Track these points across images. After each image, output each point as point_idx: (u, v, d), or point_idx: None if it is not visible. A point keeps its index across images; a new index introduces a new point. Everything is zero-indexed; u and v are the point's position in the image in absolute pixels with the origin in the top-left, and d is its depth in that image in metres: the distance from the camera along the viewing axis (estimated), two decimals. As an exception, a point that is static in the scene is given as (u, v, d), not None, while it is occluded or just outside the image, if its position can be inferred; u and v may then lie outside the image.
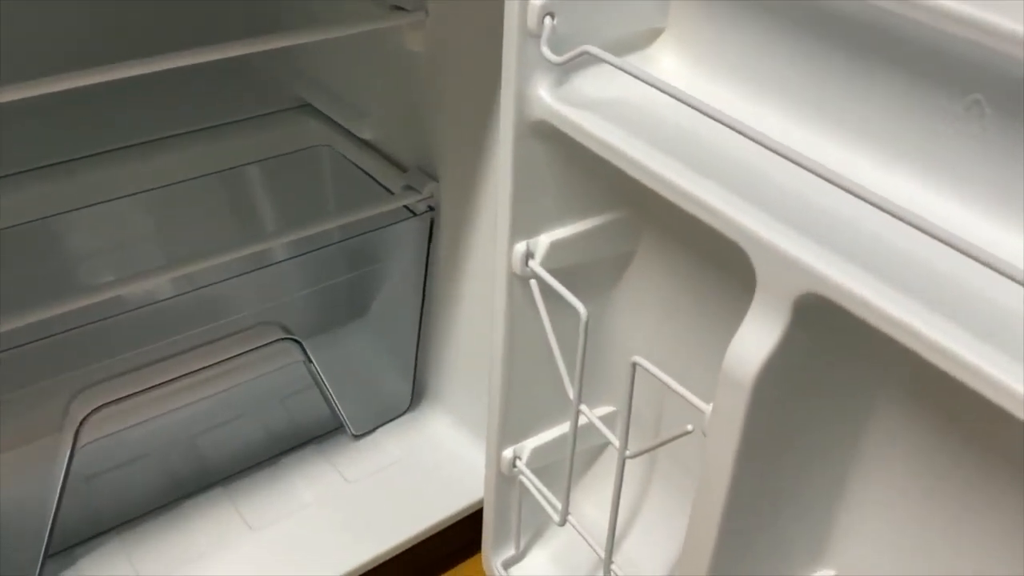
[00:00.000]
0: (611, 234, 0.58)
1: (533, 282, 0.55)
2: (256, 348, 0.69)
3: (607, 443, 0.68)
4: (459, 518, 0.77)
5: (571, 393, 0.55)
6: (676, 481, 0.64)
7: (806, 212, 0.41)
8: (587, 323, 0.51)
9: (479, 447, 0.80)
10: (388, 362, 0.83)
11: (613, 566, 0.57)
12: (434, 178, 0.73)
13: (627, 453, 0.52)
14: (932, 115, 0.40)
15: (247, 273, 0.67)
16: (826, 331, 0.43)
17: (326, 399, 0.77)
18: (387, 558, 0.73)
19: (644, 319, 0.61)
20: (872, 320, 0.37)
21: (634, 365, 0.49)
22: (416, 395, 0.85)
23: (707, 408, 0.44)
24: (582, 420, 0.56)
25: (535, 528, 0.70)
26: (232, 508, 0.75)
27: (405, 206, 0.72)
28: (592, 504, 0.68)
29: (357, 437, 0.81)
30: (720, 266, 0.54)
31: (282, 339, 0.70)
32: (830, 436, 0.48)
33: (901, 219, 0.36)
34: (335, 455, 0.80)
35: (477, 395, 0.80)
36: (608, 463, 0.69)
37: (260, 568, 0.71)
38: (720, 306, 0.55)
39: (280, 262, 0.68)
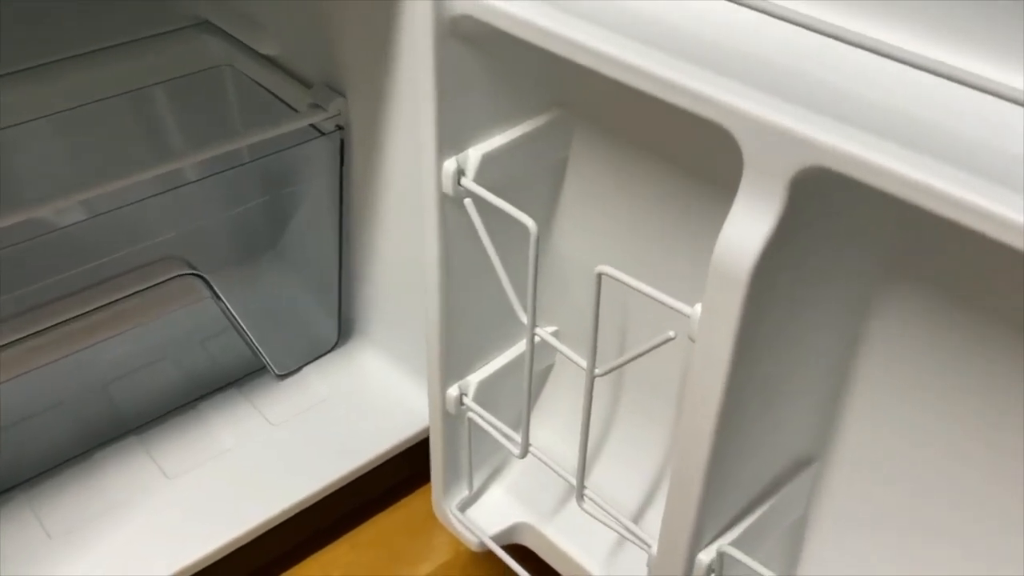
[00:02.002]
0: (545, 139, 0.53)
1: (468, 201, 0.50)
2: (157, 284, 0.64)
3: (552, 365, 0.65)
4: (394, 454, 0.73)
5: (523, 316, 0.50)
6: (645, 402, 0.60)
7: (790, 83, 0.37)
8: (537, 237, 0.47)
9: (413, 380, 0.76)
10: (310, 296, 0.78)
11: (586, 490, 0.53)
12: (341, 94, 0.68)
13: (596, 371, 0.47)
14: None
15: (147, 198, 0.61)
16: (823, 213, 0.39)
17: (243, 338, 0.73)
18: (317, 499, 0.70)
19: (589, 230, 0.57)
20: (884, 185, 0.33)
21: (599, 276, 0.44)
22: (344, 330, 0.80)
23: (692, 310, 0.40)
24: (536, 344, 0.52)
25: (487, 465, 0.66)
26: (147, 456, 0.70)
27: (312, 125, 0.67)
28: (550, 432, 0.64)
29: (281, 377, 0.77)
30: (675, 161, 0.50)
31: (185, 274, 0.65)
32: (826, 321, 0.45)
33: (896, 59, 0.32)
34: (258, 397, 0.76)
35: (408, 326, 0.76)
36: (561, 386, 0.65)
37: (179, 516, 0.67)
38: (679, 204, 0.51)
39: (181, 186, 0.62)
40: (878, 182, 0.33)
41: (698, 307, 0.40)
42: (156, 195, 0.62)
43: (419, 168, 0.51)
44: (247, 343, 0.74)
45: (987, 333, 0.42)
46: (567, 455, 0.56)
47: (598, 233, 0.56)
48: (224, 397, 0.75)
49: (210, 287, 0.67)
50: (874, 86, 0.37)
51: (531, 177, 0.54)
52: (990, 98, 0.33)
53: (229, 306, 0.69)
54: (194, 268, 0.66)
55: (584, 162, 0.54)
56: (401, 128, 0.66)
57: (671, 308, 0.41)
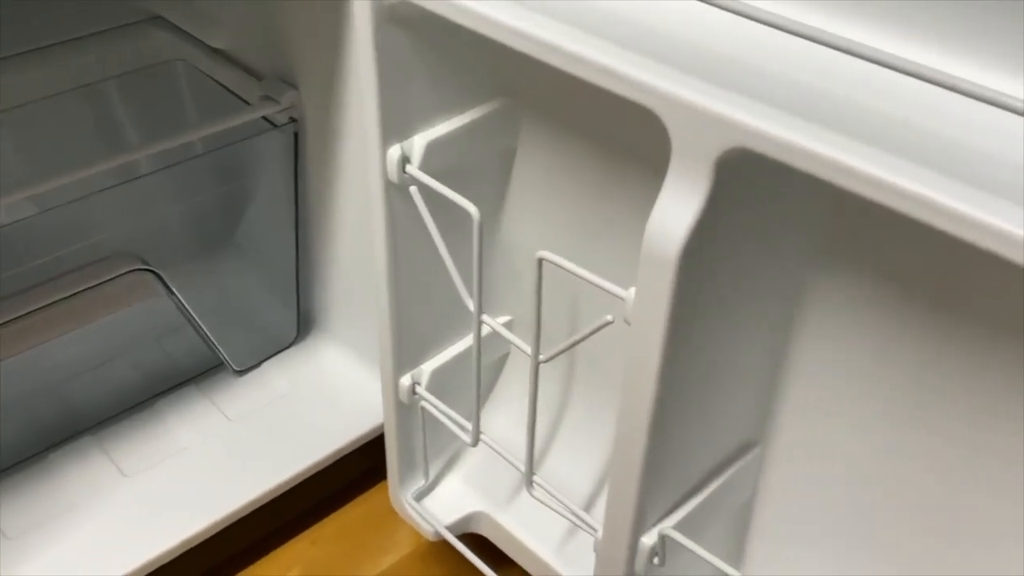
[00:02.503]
0: (490, 128, 0.53)
1: (414, 189, 0.50)
2: (109, 280, 0.63)
3: (508, 355, 0.65)
4: (354, 448, 0.73)
5: (470, 304, 0.50)
6: (595, 390, 0.60)
7: (723, 69, 0.37)
8: (480, 223, 0.47)
9: (373, 374, 0.76)
10: (268, 292, 0.78)
11: (535, 478, 0.53)
12: (294, 86, 0.67)
13: (540, 358, 0.47)
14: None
15: (97, 193, 0.61)
16: (754, 197, 0.39)
17: (200, 334, 0.72)
18: (277, 494, 0.69)
19: (539, 219, 0.57)
20: (806, 166, 0.33)
21: (540, 261, 0.44)
22: (303, 325, 0.80)
23: (627, 294, 0.40)
24: (485, 331, 0.52)
25: (443, 455, 0.66)
26: (103, 455, 0.70)
27: (265, 118, 0.67)
28: (504, 421, 0.64)
29: (240, 373, 0.77)
30: (617, 148, 0.50)
31: (137, 270, 0.65)
32: (759, 305, 0.45)
33: (834, 46, 0.32)
34: (216, 393, 0.75)
35: (367, 320, 0.75)
36: (515, 375, 0.65)
37: (138, 514, 0.66)
38: (622, 191, 0.51)
39: (132, 180, 0.62)
40: (799, 163, 0.33)
41: (632, 290, 0.40)
42: (106, 189, 0.61)
43: (366, 157, 0.51)
44: (204, 340, 0.73)
45: (922, 319, 0.42)
46: (522, 444, 0.56)
47: (547, 222, 0.56)
48: (182, 394, 0.75)
49: (164, 283, 0.66)
50: (808, 72, 0.37)
51: (478, 166, 0.54)
52: (923, 83, 0.33)
53: (184, 302, 0.68)
54: (147, 264, 0.65)
55: (532, 151, 0.54)
56: (355, 120, 0.65)
57: (608, 292, 0.41)
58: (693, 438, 0.46)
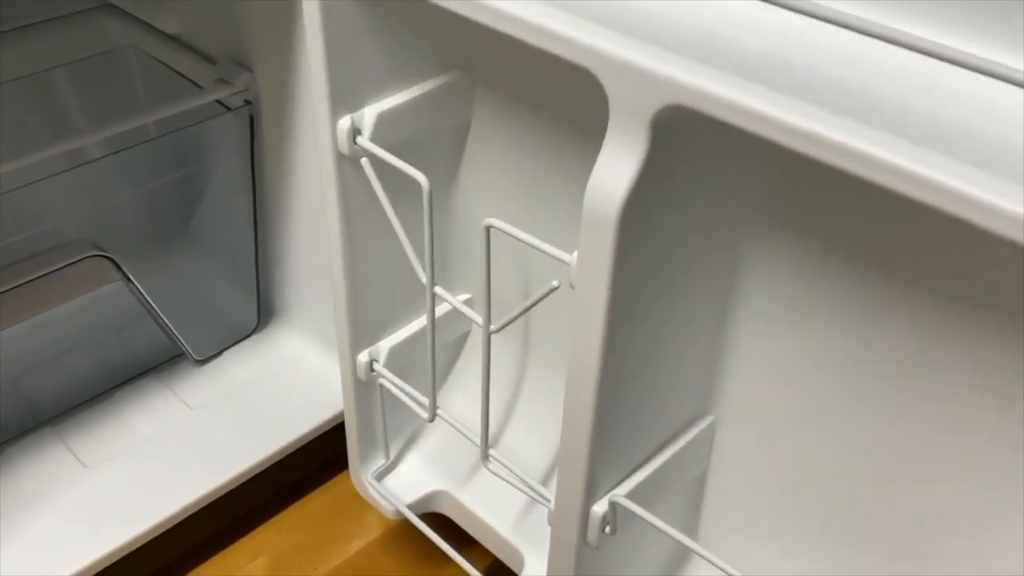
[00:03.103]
0: (443, 101, 0.53)
1: (365, 160, 0.50)
2: (64, 267, 0.62)
3: (468, 333, 0.65)
4: (317, 434, 0.72)
5: (422, 276, 0.50)
6: (549, 364, 0.60)
7: (665, 30, 0.37)
8: (430, 193, 0.47)
9: (335, 361, 0.74)
10: (227, 279, 0.77)
11: (491, 451, 0.53)
12: (248, 68, 0.67)
13: (492, 328, 0.47)
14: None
15: (49, 177, 0.60)
16: (694, 158, 0.39)
17: (159, 323, 0.71)
18: (240, 483, 0.69)
19: (493, 193, 0.57)
20: (741, 122, 0.33)
21: (488, 228, 0.44)
22: (264, 313, 0.79)
23: (571, 258, 0.40)
24: (440, 307, 0.52)
25: (404, 434, 0.66)
26: (63, 447, 0.69)
27: (218, 101, 0.66)
28: (463, 399, 0.64)
29: (200, 363, 0.76)
30: (565, 118, 0.50)
31: (93, 255, 0.64)
32: (704, 271, 0.45)
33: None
34: (176, 383, 0.75)
35: (328, 306, 0.74)
36: (474, 353, 0.65)
37: (99, 506, 0.65)
38: (571, 160, 0.51)
39: (83, 164, 0.61)
40: (732, 118, 0.33)
41: (575, 254, 0.40)
42: (58, 174, 0.60)
43: (316, 129, 0.50)
44: (163, 329, 0.72)
45: (867, 285, 0.43)
46: (475, 420, 0.56)
47: (500, 194, 0.56)
48: (142, 385, 0.74)
49: (120, 269, 0.66)
50: (752, 32, 0.37)
51: (431, 139, 0.53)
52: (869, 40, 0.33)
53: (142, 290, 0.68)
54: (103, 250, 0.65)
55: (485, 124, 0.54)
56: (310, 104, 0.65)
57: (553, 257, 0.41)
58: (642, 406, 0.46)
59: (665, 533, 0.45)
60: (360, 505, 0.74)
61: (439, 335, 0.61)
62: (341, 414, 0.72)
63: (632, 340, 0.42)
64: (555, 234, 0.48)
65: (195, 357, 0.75)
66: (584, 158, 0.50)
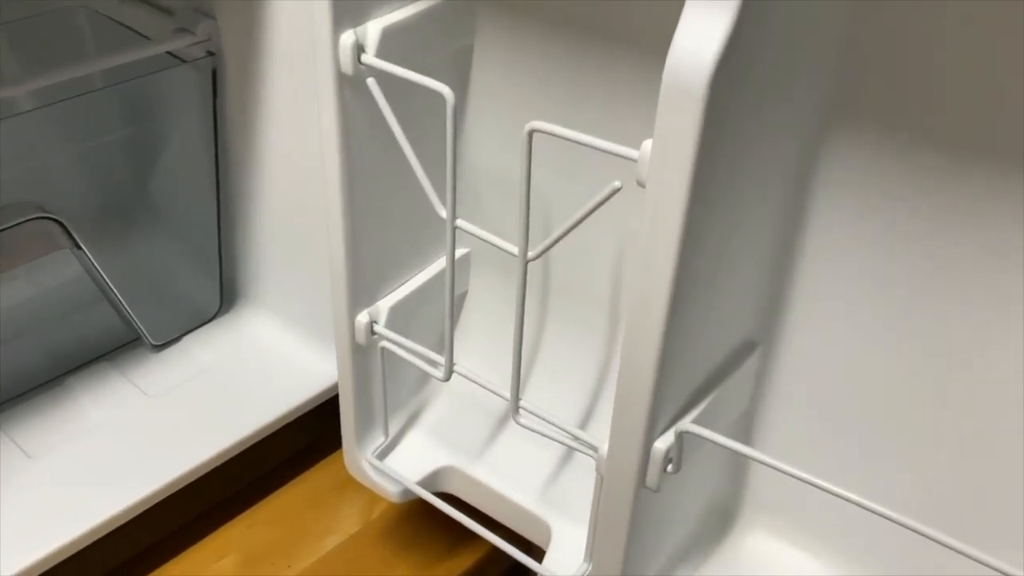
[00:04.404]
0: (445, 20, 0.48)
1: (371, 81, 0.45)
2: (7, 228, 0.56)
3: (465, 294, 0.59)
4: (288, 421, 0.66)
5: (441, 210, 0.44)
6: (570, 317, 0.55)
7: None
8: (455, 106, 0.41)
9: (306, 343, 0.70)
10: (188, 257, 0.71)
11: (521, 403, 0.47)
12: (211, 16, 0.61)
13: (529, 255, 0.42)
14: None
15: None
16: (773, 33, 0.35)
17: (112, 302, 0.65)
18: (202, 473, 0.62)
19: (499, 128, 0.52)
20: None
21: (530, 133, 0.39)
22: (228, 294, 0.73)
23: (640, 151, 0.35)
24: (434, 264, 0.46)
25: (403, 409, 0.60)
26: (5, 437, 0.62)
27: (170, 53, 0.60)
28: (467, 365, 0.58)
29: (158, 348, 0.70)
30: (586, 30, 0.45)
31: (38, 217, 0.58)
32: (780, 167, 0.41)
33: None
34: (132, 369, 0.68)
35: (299, 286, 0.69)
36: (475, 318, 0.60)
37: (46, 499, 0.58)
38: (595, 83, 0.46)
39: (20, 114, 0.55)
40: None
41: (647, 143, 0.35)
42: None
43: (314, 45, 0.45)
44: (118, 310, 0.66)
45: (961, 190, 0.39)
46: (495, 383, 0.50)
47: (510, 131, 0.51)
48: (94, 371, 0.67)
49: (68, 234, 0.60)
50: None
51: (434, 66, 0.48)
52: None
53: (93, 260, 0.62)
54: (48, 212, 0.58)
55: (490, 50, 0.50)
56: (281, 55, 0.60)
57: (616, 155, 0.36)
58: (705, 327, 0.42)
59: (732, 458, 0.40)
60: (336, 498, 0.68)
61: (435, 295, 0.56)
62: (311, 400, 0.67)
63: (704, 247, 0.38)
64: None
65: (152, 341, 0.69)
66: (604, 82, 0.46)
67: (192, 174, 0.67)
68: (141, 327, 0.68)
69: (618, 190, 0.37)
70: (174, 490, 0.61)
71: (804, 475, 0.38)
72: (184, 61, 0.61)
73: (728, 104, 0.34)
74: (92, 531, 0.57)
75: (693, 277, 0.37)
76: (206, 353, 0.70)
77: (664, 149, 0.34)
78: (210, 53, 0.62)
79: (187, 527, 0.64)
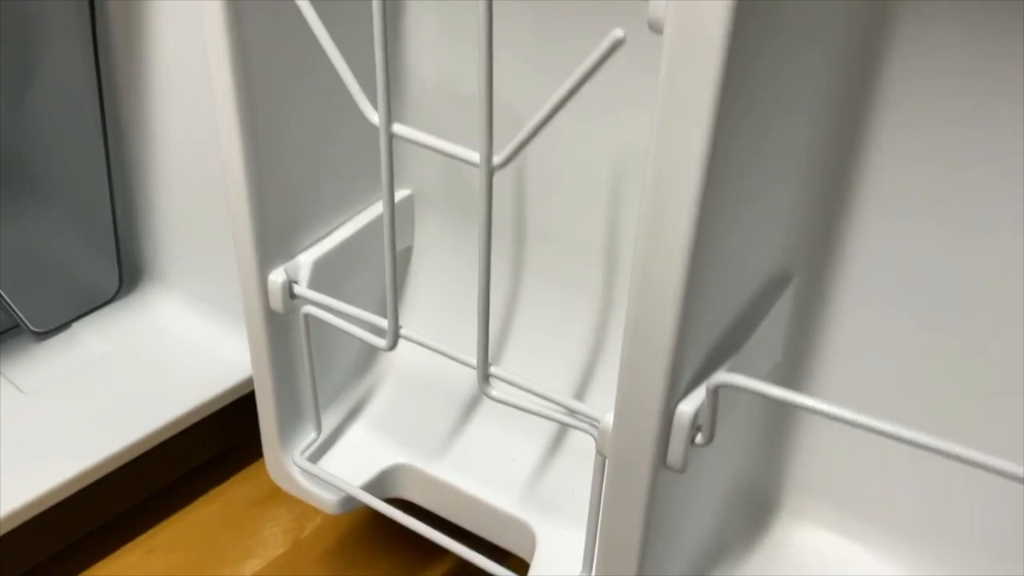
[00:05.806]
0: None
1: None
2: None
3: (410, 248, 0.49)
4: (195, 420, 0.56)
5: (371, 115, 0.33)
6: (556, 270, 0.46)
7: None
8: None
9: (221, 328, 0.60)
10: (77, 231, 0.60)
11: (492, 368, 0.37)
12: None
13: (495, 161, 0.31)
14: None
15: None
16: None
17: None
18: (86, 484, 0.52)
19: (441, 44, 0.42)
20: None
21: None
22: (130, 273, 0.63)
23: None
24: (365, 213, 0.36)
25: (337, 402, 0.50)
26: None
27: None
28: (420, 323, 0.49)
29: (41, 336, 0.59)
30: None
31: None
32: (826, 64, 0.32)
33: None
34: (8, 362, 0.58)
35: (213, 259, 0.59)
36: (421, 277, 0.50)
37: None
38: None
39: None
40: None
41: None
42: None
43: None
44: (-11, 293, 0.55)
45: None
46: (442, 362, 0.39)
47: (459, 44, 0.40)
48: (-43, 366, 0.56)
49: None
50: None
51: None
52: None
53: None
54: None
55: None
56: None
57: None
58: (742, 245, 0.32)
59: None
60: (258, 514, 0.57)
61: (371, 247, 0.45)
62: (228, 395, 0.57)
63: (744, 124, 0.28)
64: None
65: (33, 329, 0.58)
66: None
67: (73, 125, 0.56)
68: (19, 313, 0.57)
69: (621, 41, 0.26)
70: (42, 508, 0.50)
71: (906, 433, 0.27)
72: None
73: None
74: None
75: (728, 169, 0.27)
76: (99, 341, 0.60)
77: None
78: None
79: (71, 551, 0.53)
